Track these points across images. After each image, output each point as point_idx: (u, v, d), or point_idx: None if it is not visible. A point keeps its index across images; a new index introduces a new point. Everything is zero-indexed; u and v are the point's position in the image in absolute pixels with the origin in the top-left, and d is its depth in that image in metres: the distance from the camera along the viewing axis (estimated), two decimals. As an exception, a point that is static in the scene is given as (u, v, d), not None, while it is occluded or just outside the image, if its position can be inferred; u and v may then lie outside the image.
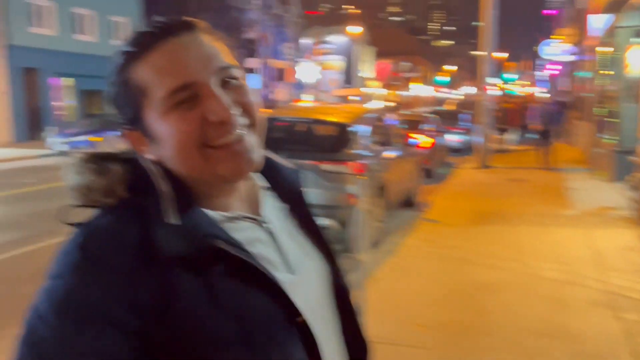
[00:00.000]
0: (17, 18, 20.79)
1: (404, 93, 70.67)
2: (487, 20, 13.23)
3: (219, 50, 0.79)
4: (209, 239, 0.74)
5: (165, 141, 0.75)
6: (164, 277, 0.70)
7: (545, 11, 32.31)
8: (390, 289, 4.75)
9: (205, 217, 0.77)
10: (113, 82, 0.78)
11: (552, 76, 37.47)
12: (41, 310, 0.68)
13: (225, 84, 0.77)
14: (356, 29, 52.14)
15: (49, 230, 6.21)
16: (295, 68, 46.24)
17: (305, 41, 50.70)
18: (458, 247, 5.98)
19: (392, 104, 47.61)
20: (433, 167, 11.86)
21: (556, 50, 21.83)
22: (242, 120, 0.77)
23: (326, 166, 5.83)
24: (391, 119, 8.13)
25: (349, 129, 6.13)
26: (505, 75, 56.45)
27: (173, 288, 0.70)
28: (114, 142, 0.85)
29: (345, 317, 0.96)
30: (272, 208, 0.90)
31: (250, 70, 39.43)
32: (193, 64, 0.75)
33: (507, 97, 26.98)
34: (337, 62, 51.57)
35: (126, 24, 26.28)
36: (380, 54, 67.48)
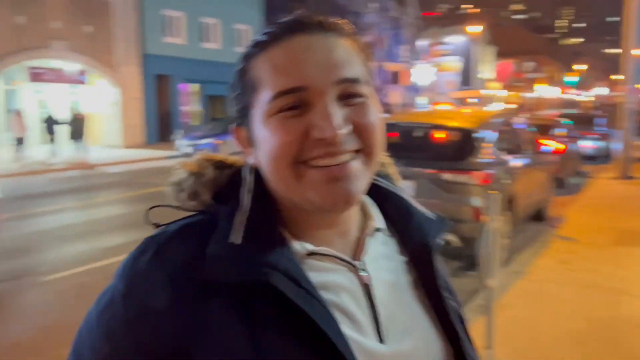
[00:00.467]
0: (152, 29, 22.46)
1: (528, 95, 66.76)
2: (630, 13, 11.78)
3: (353, 59, 0.67)
4: (265, 268, 0.61)
5: (261, 147, 0.67)
6: (203, 306, 0.61)
7: None
8: (521, 318, 4.19)
9: (281, 244, 0.65)
10: (236, 69, 0.71)
11: None
12: (91, 311, 0.69)
13: (345, 98, 0.65)
14: (475, 29, 50.09)
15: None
16: (411, 70, 45.44)
17: (421, 43, 49.68)
18: (600, 272, 5.20)
19: (514, 107, 45.07)
20: (565, 176, 10.79)
21: None
22: (351, 144, 0.65)
23: (447, 175, 5.37)
24: (520, 123, 7.42)
25: (474, 135, 5.60)
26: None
27: (210, 320, 0.61)
28: (234, 146, 0.75)
29: None
30: (381, 256, 0.74)
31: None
32: (313, 68, 0.64)
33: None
34: (454, 63, 49.91)
35: (248, 32, 27.39)
36: (502, 54, 64.35)
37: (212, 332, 0.60)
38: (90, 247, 6.66)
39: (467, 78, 52.59)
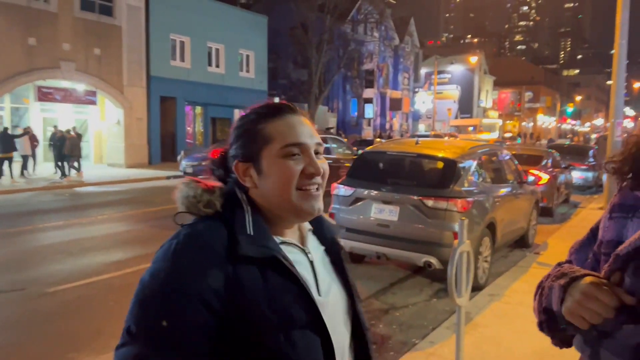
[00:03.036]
0: (159, 52, 23.04)
1: (525, 124, 67.46)
2: (619, 48, 12.26)
3: (314, 130, 1.16)
4: (272, 250, 1.03)
5: (273, 176, 1.07)
6: (237, 271, 0.99)
7: None
8: (492, 337, 4.50)
9: (270, 235, 1.07)
10: (245, 129, 1.12)
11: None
12: (146, 282, 0.98)
13: (316, 153, 1.12)
14: (476, 58, 50.96)
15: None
16: (412, 98, 46.12)
17: (422, 71, 50.47)
18: (573, 297, 5.51)
19: (511, 135, 45.59)
20: (553, 205, 11.14)
21: None
22: (319, 179, 1.11)
23: (430, 202, 5.73)
24: (506, 154, 7.79)
25: (458, 165, 5.98)
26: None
27: (242, 279, 0.98)
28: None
29: (358, 334, 1.21)
30: (314, 245, 1.20)
31: (366, 100, 40.03)
32: (304, 133, 1.10)
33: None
34: (454, 91, 50.66)
35: (251, 57, 28.05)
36: (501, 84, 65.18)
37: (246, 286, 0.98)
38: (92, 262, 6.96)
39: (466, 106, 53.29)
